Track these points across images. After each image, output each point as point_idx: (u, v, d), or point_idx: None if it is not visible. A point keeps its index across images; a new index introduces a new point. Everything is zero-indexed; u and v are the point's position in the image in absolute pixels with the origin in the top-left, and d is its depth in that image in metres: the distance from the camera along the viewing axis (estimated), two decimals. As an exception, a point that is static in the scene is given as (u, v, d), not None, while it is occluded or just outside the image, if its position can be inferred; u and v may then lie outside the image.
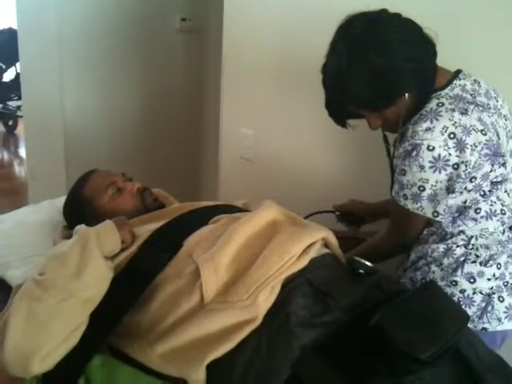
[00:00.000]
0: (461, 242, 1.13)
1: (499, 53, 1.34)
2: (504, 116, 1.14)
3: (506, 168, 1.10)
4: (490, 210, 1.11)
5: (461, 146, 1.03)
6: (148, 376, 0.93)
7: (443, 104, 1.07)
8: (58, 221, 1.38)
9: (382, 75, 1.05)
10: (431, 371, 0.85)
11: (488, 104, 1.11)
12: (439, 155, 1.03)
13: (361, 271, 1.04)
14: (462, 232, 1.13)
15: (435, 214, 1.10)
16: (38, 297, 0.92)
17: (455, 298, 1.12)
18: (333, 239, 1.15)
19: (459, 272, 1.12)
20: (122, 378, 0.94)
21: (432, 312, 0.91)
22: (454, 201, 1.09)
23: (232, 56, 1.99)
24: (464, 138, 1.03)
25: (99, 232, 1.03)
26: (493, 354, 0.96)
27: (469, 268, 1.12)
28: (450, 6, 1.39)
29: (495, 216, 1.12)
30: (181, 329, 0.93)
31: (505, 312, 1.12)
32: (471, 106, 1.06)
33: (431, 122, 1.05)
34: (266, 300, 0.94)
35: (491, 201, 1.11)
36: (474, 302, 1.11)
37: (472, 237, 1.12)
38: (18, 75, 5.05)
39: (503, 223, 1.13)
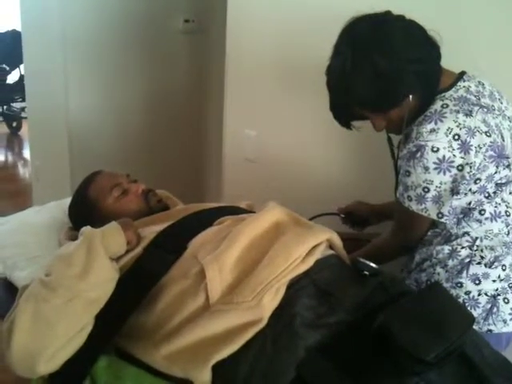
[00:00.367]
0: (465, 244, 1.13)
1: (503, 54, 1.34)
2: (508, 118, 1.14)
3: (510, 170, 1.10)
4: (495, 211, 1.11)
5: (465, 148, 1.03)
6: (153, 377, 0.93)
7: (448, 105, 1.07)
8: (64, 222, 1.39)
9: (386, 77, 1.05)
10: (436, 372, 0.85)
11: (492, 106, 1.11)
12: (444, 156, 1.03)
13: (365, 272, 1.04)
14: (467, 233, 1.13)
15: (440, 216, 1.10)
16: (44, 297, 0.93)
17: (460, 300, 1.12)
18: (337, 240, 1.15)
19: (464, 273, 1.12)
20: (128, 379, 0.93)
21: (437, 313, 0.91)
22: (459, 202, 1.09)
23: (235, 57, 1.99)
24: (468, 139, 1.03)
25: (105, 233, 1.03)
26: (498, 356, 0.96)
27: (474, 269, 1.12)
28: (453, 8, 1.39)
29: (500, 217, 1.12)
30: (186, 330, 0.93)
31: (510, 314, 1.12)
32: (476, 108, 1.06)
33: (436, 123, 1.05)
34: (271, 301, 0.94)
35: (496, 202, 1.11)
36: (479, 303, 1.11)
37: (477, 238, 1.12)
38: (21, 77, 5.07)
39: (508, 225, 1.13)
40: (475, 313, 1.11)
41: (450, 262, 1.13)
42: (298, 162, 1.87)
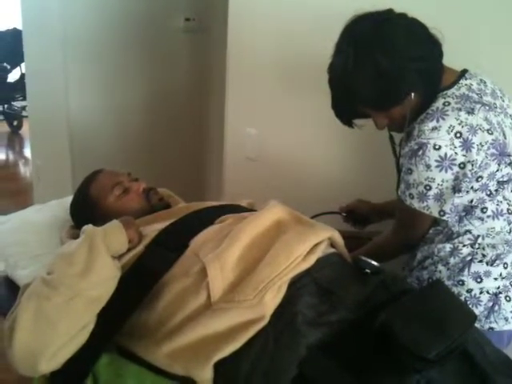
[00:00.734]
0: (467, 242, 1.13)
1: (505, 52, 1.34)
2: (510, 115, 1.14)
3: (512, 167, 1.10)
4: (497, 209, 1.11)
5: (467, 146, 1.03)
6: (155, 375, 0.94)
7: (449, 103, 1.07)
8: (65, 220, 1.39)
9: (388, 75, 1.05)
10: (438, 370, 0.85)
11: (494, 103, 1.11)
12: (445, 154, 1.03)
13: (367, 270, 1.04)
14: (469, 231, 1.13)
15: (441, 213, 1.10)
16: (46, 296, 0.93)
17: (462, 298, 1.12)
18: (338, 238, 1.15)
19: (466, 271, 1.12)
20: (129, 377, 0.94)
21: (439, 311, 0.91)
22: (461, 200, 1.09)
23: (236, 56, 1.99)
24: (470, 137, 1.03)
25: (106, 231, 1.03)
26: (500, 354, 0.96)
27: (475, 267, 1.12)
28: (455, 6, 1.39)
29: (502, 215, 1.12)
30: (188, 328, 0.93)
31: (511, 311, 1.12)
32: (477, 106, 1.06)
33: (437, 121, 1.05)
34: (272, 299, 0.94)
35: (497, 200, 1.11)
36: (481, 301, 1.11)
37: (478, 236, 1.12)
38: (22, 75, 5.07)
39: (510, 222, 1.13)
40: (477, 311, 1.11)
41: (452, 260, 1.13)
42: (299, 161, 1.87)
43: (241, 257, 1.02)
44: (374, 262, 1.04)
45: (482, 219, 1.12)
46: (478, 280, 1.11)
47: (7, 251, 1.31)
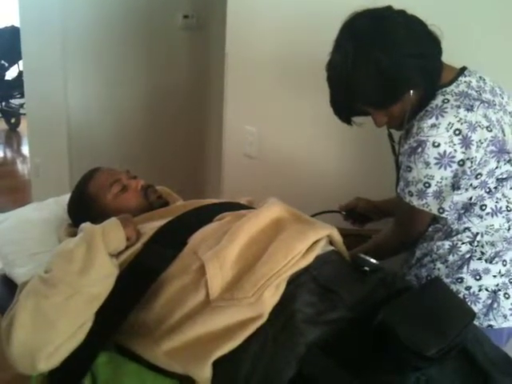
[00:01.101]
0: (466, 239, 1.13)
1: (504, 50, 1.34)
2: (509, 113, 1.14)
3: (511, 165, 1.10)
4: (496, 206, 1.11)
5: (466, 143, 1.03)
6: (154, 373, 0.93)
7: (448, 100, 1.07)
8: (63, 218, 1.39)
9: (387, 72, 1.04)
10: (437, 368, 0.85)
11: (493, 101, 1.10)
12: (444, 152, 1.03)
13: (366, 268, 1.04)
14: (468, 229, 1.13)
15: (441, 211, 1.10)
16: (44, 294, 0.92)
17: (461, 295, 1.12)
18: (337, 236, 1.15)
19: (465, 269, 1.12)
20: (128, 375, 0.93)
21: (438, 309, 0.91)
22: (460, 197, 1.09)
23: (235, 53, 1.99)
24: (469, 134, 1.03)
25: (105, 229, 1.03)
26: (499, 351, 0.96)
27: (474, 265, 1.11)
28: (453, 3, 1.38)
29: (501, 213, 1.11)
30: (186, 326, 0.93)
31: (510, 309, 1.12)
32: (477, 103, 1.06)
33: (436, 118, 1.05)
34: (271, 297, 0.94)
35: (497, 198, 1.11)
36: (480, 299, 1.11)
37: (477, 234, 1.12)
38: (20, 73, 5.06)
39: (509, 220, 1.13)
40: (476, 308, 1.11)
41: (451, 258, 1.13)
42: (298, 159, 1.87)
43: (239, 254, 1.01)
44: (372, 260, 1.04)
45: (481, 216, 1.11)
46: (477, 277, 1.11)
47: (5, 249, 1.30)
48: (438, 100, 1.08)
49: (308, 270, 1.01)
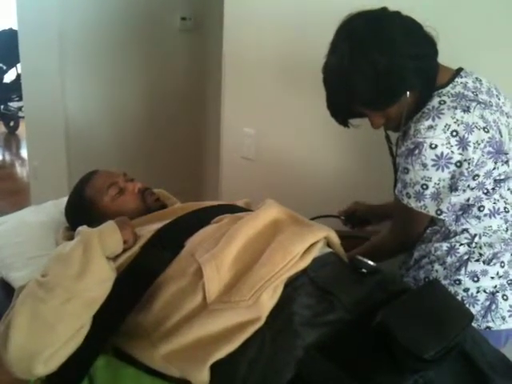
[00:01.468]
0: (464, 241, 1.12)
1: (500, 51, 1.34)
2: (506, 114, 1.14)
3: (509, 166, 1.10)
4: (494, 207, 1.11)
5: (463, 144, 1.03)
6: (151, 377, 0.93)
7: (445, 102, 1.07)
8: (60, 222, 1.38)
9: (384, 73, 1.04)
10: (435, 370, 0.85)
11: (490, 101, 1.10)
12: (442, 153, 1.03)
13: (364, 270, 1.04)
14: (466, 230, 1.13)
15: (438, 212, 1.10)
16: (41, 298, 0.92)
17: (459, 297, 1.12)
18: (335, 238, 1.14)
19: (463, 271, 1.12)
20: (126, 379, 0.93)
21: (436, 311, 0.91)
22: (457, 199, 1.09)
23: (233, 55, 1.99)
24: (466, 135, 1.02)
25: (101, 233, 1.02)
26: (497, 353, 0.96)
27: (472, 266, 1.11)
28: (449, 3, 1.39)
29: (498, 214, 1.11)
30: (184, 329, 0.93)
31: (509, 311, 1.11)
32: (473, 104, 1.06)
33: (433, 119, 1.04)
34: (269, 300, 0.93)
35: (494, 199, 1.11)
36: (478, 300, 1.11)
37: (475, 235, 1.12)
38: (18, 76, 5.06)
39: (506, 221, 1.13)
40: (474, 310, 1.11)
41: (449, 259, 1.13)
42: (297, 161, 1.87)
43: (237, 257, 1.01)
44: (370, 262, 1.04)
45: (478, 218, 1.11)
46: (475, 279, 1.11)
47: (2, 253, 1.30)
48: (435, 101, 1.08)
49: (306, 272, 1.01)
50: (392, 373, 0.84)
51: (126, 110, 2.81)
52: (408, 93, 1.07)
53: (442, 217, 1.10)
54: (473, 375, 0.89)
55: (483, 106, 1.07)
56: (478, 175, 1.06)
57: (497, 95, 1.14)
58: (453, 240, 1.13)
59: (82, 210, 1.29)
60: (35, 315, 0.91)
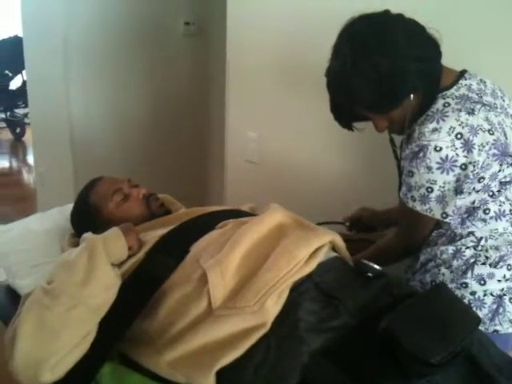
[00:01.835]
0: (470, 244, 1.12)
1: (504, 52, 1.33)
2: (511, 115, 1.13)
3: (514, 168, 1.09)
4: (499, 210, 1.10)
5: (468, 146, 1.02)
6: (157, 383, 0.93)
7: (449, 104, 1.06)
8: (66, 228, 1.39)
9: (387, 76, 1.04)
10: (442, 374, 0.84)
11: (495, 103, 1.10)
12: (447, 156, 1.02)
13: (369, 274, 1.03)
14: (472, 233, 1.12)
15: (444, 216, 1.09)
16: (46, 305, 0.92)
17: (466, 301, 1.11)
18: (340, 242, 1.14)
19: (469, 274, 1.11)
20: (131, 386, 0.93)
21: (442, 315, 0.90)
22: (463, 201, 1.08)
23: (236, 59, 1.99)
24: (471, 138, 1.02)
25: (106, 239, 1.03)
26: (505, 356, 0.95)
27: (479, 270, 1.10)
28: (453, 6, 1.38)
29: (504, 216, 1.11)
30: (189, 335, 0.93)
31: (516, 313, 1.11)
32: (478, 106, 1.05)
33: (438, 122, 1.04)
34: (274, 305, 0.93)
35: (500, 201, 1.10)
36: (485, 303, 1.10)
37: (481, 238, 1.11)
38: (24, 83, 5.09)
39: (513, 223, 1.12)
40: (481, 313, 1.10)
41: (455, 263, 1.12)
42: (301, 164, 1.86)
43: (241, 262, 1.01)
44: (376, 266, 1.04)
45: (484, 220, 1.10)
46: (482, 282, 1.10)
47: (8, 260, 1.31)
48: (439, 104, 1.07)
49: (311, 276, 1.00)
50: (398, 378, 0.83)
51: (130, 115, 2.82)
52: (412, 95, 1.07)
53: (447, 220, 1.09)
54: (479, 378, 0.88)
55: (488, 108, 1.06)
56: (483, 178, 1.06)
57: (501, 97, 1.14)
58: (459, 243, 1.13)
59: (87, 217, 1.29)
60: (41, 322, 0.91)
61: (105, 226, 1.12)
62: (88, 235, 1.05)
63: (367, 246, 1.32)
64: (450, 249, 1.13)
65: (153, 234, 1.13)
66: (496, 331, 1.11)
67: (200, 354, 0.91)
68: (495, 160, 1.05)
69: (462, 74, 1.13)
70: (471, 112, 1.03)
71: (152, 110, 2.89)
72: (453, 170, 1.03)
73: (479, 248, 1.11)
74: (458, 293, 1.11)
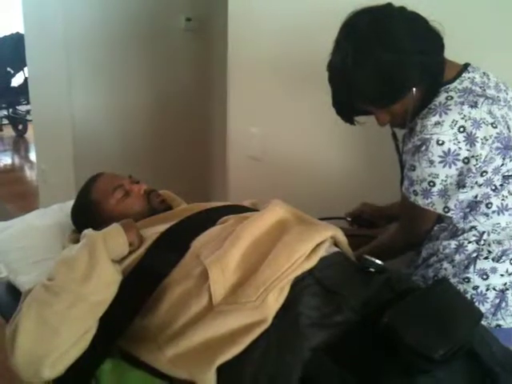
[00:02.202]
0: (472, 238, 1.11)
1: (508, 46, 1.32)
2: (514, 108, 1.12)
3: (517, 161, 1.08)
4: (502, 204, 1.09)
5: (471, 140, 1.01)
6: (158, 379, 0.93)
7: (452, 97, 1.05)
8: (66, 225, 1.39)
9: (389, 70, 1.03)
10: (444, 370, 0.84)
11: (498, 97, 1.09)
12: (449, 149, 1.02)
13: (371, 269, 1.02)
14: (474, 228, 1.11)
15: (446, 210, 1.08)
16: (47, 302, 0.92)
17: (468, 295, 1.10)
18: (342, 237, 1.14)
19: (471, 268, 1.10)
20: (132, 382, 0.93)
21: (444, 310, 0.90)
22: (465, 196, 1.07)
23: (237, 55, 1.98)
24: (474, 131, 1.01)
25: (106, 235, 1.02)
26: (507, 351, 0.94)
27: (481, 264, 1.10)
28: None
29: (507, 210, 1.10)
30: (190, 331, 0.92)
31: (519, 308, 1.10)
32: (481, 99, 1.04)
33: (440, 115, 1.03)
34: (275, 301, 0.93)
35: (503, 195, 1.09)
36: (488, 298, 1.10)
37: (484, 232, 1.10)
38: (26, 79, 5.09)
39: (515, 218, 1.11)
40: (483, 308, 1.09)
41: (457, 257, 1.12)
42: (303, 159, 1.86)
43: (242, 258, 1.00)
44: (378, 261, 1.03)
45: (487, 215, 1.10)
46: (484, 277, 1.10)
47: (10, 257, 1.31)
48: (442, 97, 1.07)
49: (312, 272, 1.00)
50: (401, 374, 0.83)
51: (132, 111, 2.82)
52: (414, 89, 1.06)
53: (449, 214, 1.09)
54: (482, 374, 0.87)
55: (491, 101, 1.05)
56: (486, 171, 1.05)
57: (505, 90, 1.13)
58: (461, 238, 1.12)
59: (88, 213, 1.29)
60: (41, 319, 0.91)
61: (106, 222, 1.12)
62: (88, 231, 1.05)
63: (369, 241, 1.31)
64: (453, 243, 1.12)
65: (153, 230, 1.12)
66: (499, 326, 1.10)
67: (201, 349, 0.91)
68: (498, 154, 1.04)
69: (465, 67, 1.12)
70: (474, 105, 1.03)
71: (154, 106, 2.88)
72: (455, 164, 1.03)
73: (482, 242, 1.10)
74: (461, 287, 1.11)
